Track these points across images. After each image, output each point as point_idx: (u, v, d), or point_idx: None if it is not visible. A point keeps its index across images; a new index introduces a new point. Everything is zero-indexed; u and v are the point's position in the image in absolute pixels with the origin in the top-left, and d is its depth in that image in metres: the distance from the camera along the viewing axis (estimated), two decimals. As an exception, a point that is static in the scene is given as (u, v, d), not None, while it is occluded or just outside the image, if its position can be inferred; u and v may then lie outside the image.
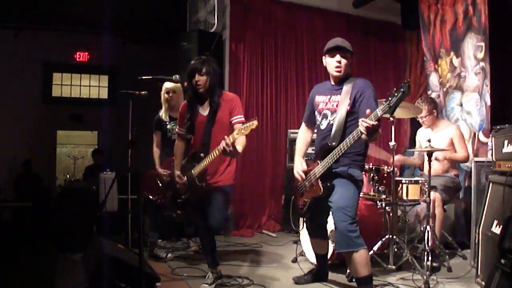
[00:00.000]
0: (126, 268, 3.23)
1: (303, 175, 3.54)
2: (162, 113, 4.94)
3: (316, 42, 7.15)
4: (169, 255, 4.89)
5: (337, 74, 3.44)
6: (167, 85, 4.82)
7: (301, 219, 4.63)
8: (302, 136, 3.88)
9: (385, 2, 6.96)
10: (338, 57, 3.41)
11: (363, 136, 2.92)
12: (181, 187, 3.73)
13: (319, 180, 3.37)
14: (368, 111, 2.94)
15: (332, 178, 3.36)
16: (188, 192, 3.69)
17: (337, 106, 3.42)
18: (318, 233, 3.81)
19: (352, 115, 3.33)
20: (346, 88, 3.39)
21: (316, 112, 3.63)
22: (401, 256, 4.27)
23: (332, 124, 3.40)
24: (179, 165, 3.84)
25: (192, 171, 3.62)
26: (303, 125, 3.91)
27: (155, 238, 4.96)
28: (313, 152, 3.80)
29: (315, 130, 3.75)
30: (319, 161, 3.37)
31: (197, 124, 3.71)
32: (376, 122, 2.81)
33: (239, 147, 3.43)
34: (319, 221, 3.73)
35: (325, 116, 3.51)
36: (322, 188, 3.34)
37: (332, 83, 3.55)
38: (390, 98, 2.87)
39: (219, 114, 3.62)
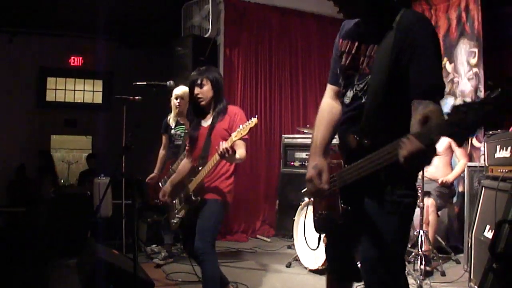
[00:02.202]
0: (120, 274, 3.23)
1: (323, 184, 1.95)
2: (170, 118, 4.98)
3: (311, 48, 7.19)
4: (162, 259, 4.89)
5: (345, 16, 2.02)
6: (177, 91, 4.82)
7: (295, 227, 4.60)
8: (323, 112, 2.15)
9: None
10: None
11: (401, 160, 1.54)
12: (167, 205, 3.46)
13: (339, 196, 1.95)
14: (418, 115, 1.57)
15: (359, 199, 1.93)
16: (182, 210, 3.35)
17: (369, 63, 1.88)
18: (342, 273, 2.26)
19: (398, 83, 1.77)
20: (389, 30, 1.79)
21: (338, 70, 2.06)
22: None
23: (361, 98, 1.90)
24: (174, 181, 3.49)
25: (189, 186, 3.26)
26: (326, 92, 2.20)
27: (169, 239, 4.98)
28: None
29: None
30: (342, 162, 1.96)
31: (199, 136, 3.35)
32: (423, 146, 1.47)
33: (237, 155, 3.11)
34: (344, 255, 2.20)
35: (349, 82, 1.97)
36: (341, 209, 1.94)
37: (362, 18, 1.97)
38: (462, 109, 1.39)
39: (218, 126, 3.27)
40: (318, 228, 2.22)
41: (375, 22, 1.87)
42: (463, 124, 1.37)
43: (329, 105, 2.15)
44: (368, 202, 1.91)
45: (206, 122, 3.36)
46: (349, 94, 1.96)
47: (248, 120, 3.05)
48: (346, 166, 1.91)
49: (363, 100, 1.88)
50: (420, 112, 1.62)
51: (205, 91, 3.31)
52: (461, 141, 1.45)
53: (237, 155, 3.10)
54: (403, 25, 1.76)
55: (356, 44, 1.94)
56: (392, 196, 1.85)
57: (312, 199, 2.14)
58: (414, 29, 1.75)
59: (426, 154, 1.50)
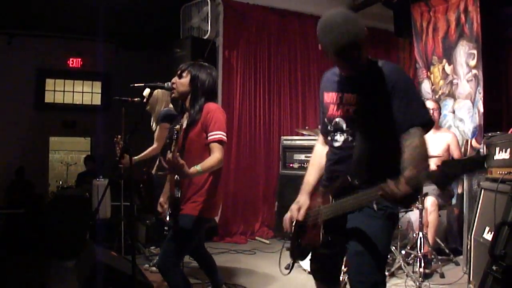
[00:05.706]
0: (119, 276, 3.22)
1: (298, 216, 2.35)
2: None
3: (309, 49, 7.18)
4: None
5: (345, 74, 2.20)
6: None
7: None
8: (316, 156, 2.51)
9: (377, 9, 6.98)
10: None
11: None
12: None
13: (322, 226, 2.17)
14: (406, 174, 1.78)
15: (342, 225, 2.15)
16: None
17: (354, 111, 2.16)
18: (324, 280, 2.53)
19: (383, 127, 2.08)
20: (370, 80, 2.11)
21: (325, 120, 2.33)
22: (394, 262, 4.28)
23: (352, 142, 2.18)
24: (165, 191, 3.28)
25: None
26: (319, 139, 2.56)
27: None
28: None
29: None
30: (330, 197, 2.16)
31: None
32: (408, 189, 1.74)
33: (197, 167, 2.74)
34: (327, 270, 2.48)
35: (338, 128, 2.24)
36: (321, 237, 2.16)
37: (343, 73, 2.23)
38: (449, 167, 1.69)
39: (191, 129, 2.96)
40: (296, 256, 2.52)
41: (361, 75, 2.12)
42: (448, 175, 1.66)
43: (320, 151, 2.46)
44: (351, 214, 2.10)
45: (184, 124, 3.06)
46: (339, 138, 2.23)
47: (223, 117, 2.97)
48: (334, 201, 2.12)
49: (354, 144, 2.15)
50: (407, 145, 1.96)
51: (180, 83, 3.05)
52: (444, 187, 1.78)
53: (196, 169, 2.74)
54: (386, 75, 2.06)
55: (340, 95, 2.23)
56: (374, 203, 2.09)
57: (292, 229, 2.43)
58: (395, 77, 2.06)
59: (413, 197, 1.87)
